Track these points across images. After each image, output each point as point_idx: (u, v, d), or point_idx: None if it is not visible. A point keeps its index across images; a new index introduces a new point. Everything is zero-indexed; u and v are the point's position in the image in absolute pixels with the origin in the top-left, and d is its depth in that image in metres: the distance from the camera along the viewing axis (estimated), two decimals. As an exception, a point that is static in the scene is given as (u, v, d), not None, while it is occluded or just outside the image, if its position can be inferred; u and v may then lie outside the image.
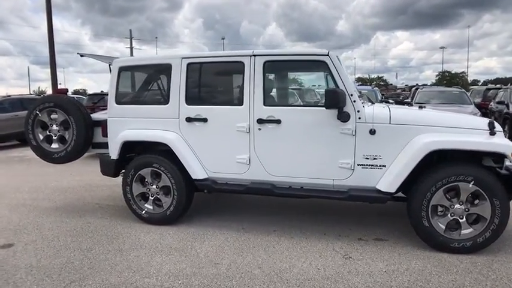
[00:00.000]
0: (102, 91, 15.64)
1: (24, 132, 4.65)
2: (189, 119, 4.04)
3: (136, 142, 4.29)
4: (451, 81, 52.45)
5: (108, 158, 4.39)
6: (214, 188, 4.03)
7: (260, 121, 3.81)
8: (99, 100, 15.80)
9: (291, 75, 5.69)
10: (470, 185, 3.24)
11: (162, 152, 4.19)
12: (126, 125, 4.25)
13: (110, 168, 4.40)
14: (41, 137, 4.61)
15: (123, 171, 4.36)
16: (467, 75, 60.30)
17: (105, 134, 4.43)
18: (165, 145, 4.09)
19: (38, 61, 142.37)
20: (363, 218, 4.39)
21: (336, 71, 3.60)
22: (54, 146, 4.60)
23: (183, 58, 4.08)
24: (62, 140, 4.59)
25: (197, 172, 4.02)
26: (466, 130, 3.44)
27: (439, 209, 3.41)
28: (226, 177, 4.04)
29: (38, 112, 4.54)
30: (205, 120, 4.00)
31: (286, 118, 3.76)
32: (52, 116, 4.59)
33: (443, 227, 3.38)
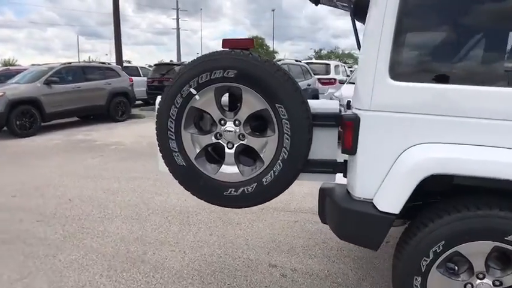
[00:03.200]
0: (171, 60, 13.53)
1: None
2: None
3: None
4: None
5: (360, 207, 1.96)
6: None
7: None
8: (167, 71, 13.99)
9: None
10: None
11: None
12: (421, 129, 2.01)
13: (370, 229, 2.02)
14: (197, 149, 2.22)
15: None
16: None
17: (349, 145, 2.02)
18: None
19: (84, 32, 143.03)
20: None
21: None
22: (230, 169, 2.19)
23: None
24: (247, 155, 2.19)
25: None
26: None
27: None
28: None
29: (193, 91, 2.11)
30: None
31: None
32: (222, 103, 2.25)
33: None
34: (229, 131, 2.16)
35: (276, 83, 2.01)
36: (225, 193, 2.19)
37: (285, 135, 2.06)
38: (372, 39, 2.07)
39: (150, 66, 18.40)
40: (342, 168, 2.35)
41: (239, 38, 2.25)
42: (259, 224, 3.91)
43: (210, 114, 2.18)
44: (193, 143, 2.22)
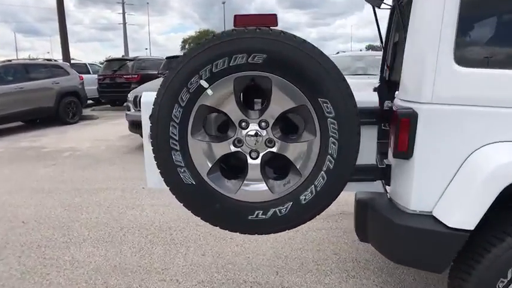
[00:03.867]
0: (123, 55, 12.75)
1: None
2: None
3: None
4: None
5: (421, 223, 1.58)
6: None
7: None
8: (120, 67, 13.03)
9: None
10: None
11: None
12: (487, 127, 1.65)
13: (436, 250, 1.63)
14: (209, 162, 1.69)
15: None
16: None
17: (405, 147, 1.62)
18: None
19: (21, 29, 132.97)
20: None
21: None
22: (256, 186, 1.69)
23: None
24: (275, 167, 1.70)
25: None
26: None
27: None
28: None
29: (204, 84, 1.58)
30: None
31: None
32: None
33: None
34: (254, 136, 1.64)
35: (320, 70, 1.52)
36: (250, 217, 1.68)
37: (331, 138, 1.58)
38: (430, 11, 1.64)
39: (100, 62, 17.17)
40: (383, 174, 1.92)
41: (256, 13, 1.73)
42: (256, 237, 3.41)
43: (227, 115, 1.65)
44: (204, 154, 1.68)
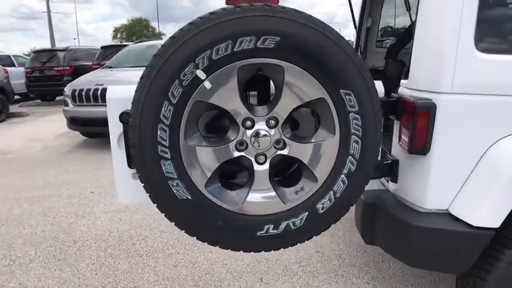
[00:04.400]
0: (53, 46, 12.24)
1: None
2: None
3: None
4: None
5: (440, 223, 1.49)
6: None
7: None
8: (49, 59, 11.97)
9: None
10: None
11: None
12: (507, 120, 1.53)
13: (462, 252, 1.52)
14: (207, 171, 1.41)
15: None
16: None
17: (422, 142, 1.49)
18: None
19: None
20: None
21: None
22: (263, 195, 1.43)
23: None
24: (284, 172, 1.48)
25: None
26: None
27: None
28: None
29: (200, 74, 1.27)
30: None
31: None
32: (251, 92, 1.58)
33: None
34: (262, 137, 1.38)
35: (342, 57, 1.29)
36: (259, 233, 1.42)
37: (353, 136, 1.36)
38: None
39: (26, 54, 15.59)
40: (388, 171, 1.76)
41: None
42: None
43: (228, 112, 1.36)
44: (201, 162, 1.38)
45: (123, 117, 1.53)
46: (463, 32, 1.45)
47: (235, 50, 1.24)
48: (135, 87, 1.33)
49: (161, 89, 1.27)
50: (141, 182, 1.38)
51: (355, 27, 3.19)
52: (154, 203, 1.41)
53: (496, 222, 1.49)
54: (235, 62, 1.27)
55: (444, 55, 1.48)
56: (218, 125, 1.49)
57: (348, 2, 2.91)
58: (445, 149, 1.54)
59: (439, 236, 1.58)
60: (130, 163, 1.61)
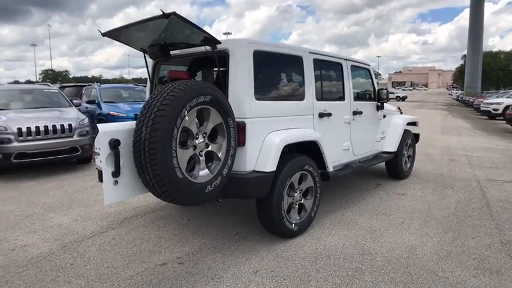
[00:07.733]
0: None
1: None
2: (321, 115, 4.28)
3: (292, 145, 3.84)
4: (57, 79, 59.43)
5: (254, 175, 3.49)
6: (334, 176, 4.42)
7: (354, 113, 4.99)
8: None
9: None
10: None
11: (303, 152, 4.02)
12: (269, 126, 3.69)
13: (265, 185, 3.51)
14: (185, 162, 2.93)
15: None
16: (70, 74, 72.28)
17: (243, 140, 3.45)
18: (307, 144, 4.02)
19: None
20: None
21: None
22: (203, 172, 3.09)
23: (310, 53, 4.24)
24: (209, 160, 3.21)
25: (330, 164, 4.27)
26: None
27: None
28: (336, 164, 4.65)
29: (185, 113, 2.84)
30: (329, 115, 4.39)
31: (363, 109, 5.22)
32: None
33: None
34: (201, 142, 3.07)
35: (227, 103, 3.20)
36: (205, 191, 3.04)
37: (232, 138, 3.28)
38: (241, 73, 3.52)
39: None
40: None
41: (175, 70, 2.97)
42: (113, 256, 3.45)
43: (191, 130, 3.00)
44: (182, 158, 2.85)
45: (114, 142, 2.56)
46: (249, 91, 3.47)
47: (198, 101, 2.77)
48: (118, 123, 2.63)
49: (174, 122, 2.67)
50: (158, 173, 2.55)
51: (150, 83, 4.36)
52: (164, 183, 2.58)
53: (273, 168, 3.55)
54: (198, 107, 2.80)
55: (245, 101, 3.45)
56: (184, 138, 2.86)
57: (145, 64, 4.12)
58: (250, 142, 3.49)
59: (255, 179, 3.48)
60: (116, 174, 2.61)
